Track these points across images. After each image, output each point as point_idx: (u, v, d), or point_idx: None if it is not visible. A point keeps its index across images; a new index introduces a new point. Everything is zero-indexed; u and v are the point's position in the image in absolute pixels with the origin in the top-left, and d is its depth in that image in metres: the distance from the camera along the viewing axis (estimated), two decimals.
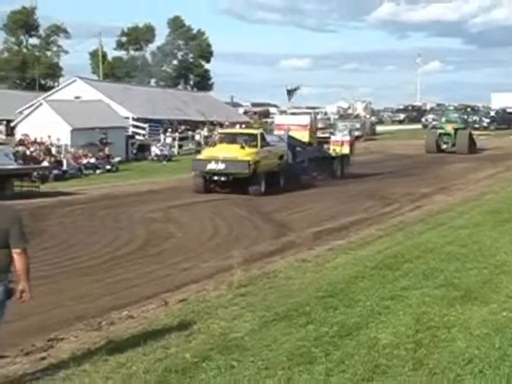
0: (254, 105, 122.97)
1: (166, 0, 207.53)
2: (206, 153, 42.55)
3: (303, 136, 48.35)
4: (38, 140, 55.37)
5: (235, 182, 39.30)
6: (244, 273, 18.68)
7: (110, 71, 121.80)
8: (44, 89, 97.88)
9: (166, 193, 41.29)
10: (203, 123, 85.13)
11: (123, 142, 66.26)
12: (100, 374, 10.55)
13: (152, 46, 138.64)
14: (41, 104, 65.25)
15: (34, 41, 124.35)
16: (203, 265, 21.50)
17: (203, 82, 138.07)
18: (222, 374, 10.00)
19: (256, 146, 40.87)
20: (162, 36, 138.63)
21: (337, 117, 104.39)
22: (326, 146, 51.26)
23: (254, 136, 42.70)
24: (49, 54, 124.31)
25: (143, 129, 75.12)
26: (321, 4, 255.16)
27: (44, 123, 59.16)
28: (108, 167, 56.63)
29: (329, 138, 54.11)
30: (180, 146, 75.78)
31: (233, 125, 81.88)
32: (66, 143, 56.98)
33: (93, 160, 54.20)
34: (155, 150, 67.68)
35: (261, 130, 47.38)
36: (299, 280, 17.30)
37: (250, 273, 18.97)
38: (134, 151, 67.72)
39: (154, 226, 29.47)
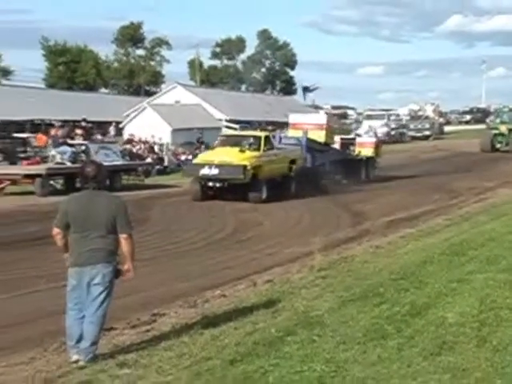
0: (334, 107, 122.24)
1: (255, 14, 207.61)
2: (202, 156, 36.48)
3: (319, 136, 41.00)
4: (143, 139, 55.79)
5: (233, 188, 33.17)
6: (324, 257, 18.62)
7: (206, 78, 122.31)
8: (148, 94, 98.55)
9: None
10: (288, 124, 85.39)
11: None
12: (196, 345, 10.59)
13: (243, 56, 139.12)
14: (145, 108, 65.97)
15: (140, 52, 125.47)
16: (287, 250, 21.49)
17: (288, 88, 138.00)
18: (304, 347, 9.95)
19: (259, 150, 34.45)
20: (251, 47, 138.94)
21: (408, 118, 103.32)
22: (351, 148, 45.50)
23: (258, 139, 35.71)
24: (153, 63, 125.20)
25: (235, 129, 75.40)
26: (395, 17, 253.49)
27: (148, 124, 59.74)
28: None
29: (354, 139, 48.45)
30: None
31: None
32: (167, 142, 57.32)
33: (190, 157, 54.22)
34: None
35: (266, 133, 40.30)
36: (373, 264, 17.19)
37: (329, 257, 18.92)
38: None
39: (244, 215, 29.52)
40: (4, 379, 10.22)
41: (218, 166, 32.41)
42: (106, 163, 29.02)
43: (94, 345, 10.48)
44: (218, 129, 68.71)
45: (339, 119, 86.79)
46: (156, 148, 54.98)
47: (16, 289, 16.77)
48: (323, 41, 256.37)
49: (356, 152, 44.64)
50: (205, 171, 32.55)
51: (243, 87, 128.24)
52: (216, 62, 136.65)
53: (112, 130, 65.94)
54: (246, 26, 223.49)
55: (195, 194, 33.54)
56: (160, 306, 14.27)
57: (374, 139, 47.52)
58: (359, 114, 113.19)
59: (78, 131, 46.05)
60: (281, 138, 40.77)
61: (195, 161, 36.12)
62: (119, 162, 39.73)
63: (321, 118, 44.12)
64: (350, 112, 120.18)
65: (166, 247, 22.05)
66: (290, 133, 42.42)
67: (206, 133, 61.90)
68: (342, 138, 46.46)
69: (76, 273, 10.46)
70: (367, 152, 44.71)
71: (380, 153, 47.03)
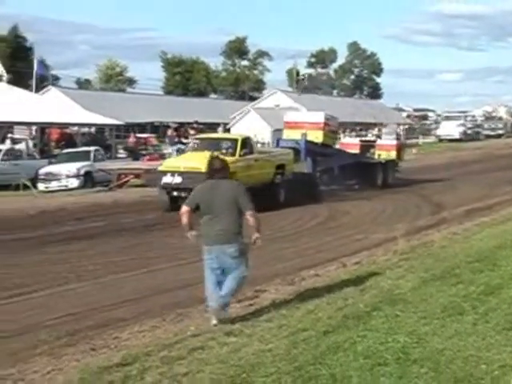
0: (415, 110, 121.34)
1: (346, 28, 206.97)
2: (167, 162, 30.14)
3: (317, 136, 33.39)
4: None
5: None
6: (406, 242, 18.48)
7: (302, 85, 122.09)
8: (251, 99, 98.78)
9: None
10: (374, 124, 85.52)
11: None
12: (294, 318, 10.60)
13: (335, 65, 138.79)
14: (249, 111, 66.88)
15: (244, 63, 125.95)
16: (373, 236, 21.38)
17: (374, 93, 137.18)
18: (389, 321, 9.88)
19: (234, 154, 27.39)
20: (342, 57, 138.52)
21: (483, 119, 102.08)
22: (371, 151, 38.35)
23: (233, 142, 28.62)
24: (255, 72, 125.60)
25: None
26: (472, 29, 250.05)
27: (251, 125, 60.18)
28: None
29: (374, 141, 40.95)
30: None
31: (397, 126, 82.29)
32: (268, 141, 57.57)
33: None
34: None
35: (244, 135, 31.50)
36: (451, 248, 16.97)
37: (411, 242, 18.75)
38: None
39: (334, 205, 29.45)
40: (130, 344, 10.45)
41: (181, 173, 26.12)
42: None
43: (226, 306, 11.12)
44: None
45: (420, 120, 77.19)
46: (259, 146, 55.28)
47: (138, 268, 17.12)
48: (406, 51, 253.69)
49: (376, 155, 37.80)
50: (167, 179, 26.36)
51: (334, 92, 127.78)
52: (311, 71, 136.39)
53: (220, 130, 66.50)
54: (338, 38, 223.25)
55: (164, 204, 27.05)
56: (262, 284, 14.27)
57: (395, 141, 39.76)
58: (438, 115, 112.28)
59: (191, 131, 46.65)
60: (278, 141, 34.55)
61: (159, 167, 28.67)
62: None
63: (318, 116, 35.51)
64: (429, 114, 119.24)
65: (265, 233, 22.10)
66: (286, 133, 34.78)
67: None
68: (361, 141, 40.40)
69: (208, 250, 11.03)
70: (388, 155, 37.61)
71: (402, 156, 40.00)
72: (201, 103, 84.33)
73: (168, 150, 37.77)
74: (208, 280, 11.17)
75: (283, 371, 7.84)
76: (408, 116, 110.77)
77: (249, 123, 64.06)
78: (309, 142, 32.75)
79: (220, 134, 36.21)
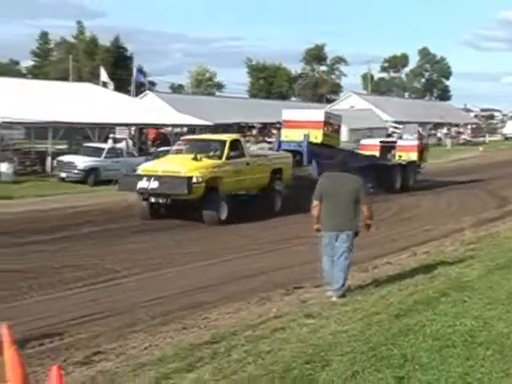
0: (482, 110, 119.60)
1: (417, 34, 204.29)
2: (145, 166, 24.72)
3: (316, 136, 28.91)
4: None
5: (185, 205, 22.38)
6: (473, 233, 18.28)
7: (376, 88, 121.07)
8: (329, 101, 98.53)
9: None
10: (442, 124, 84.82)
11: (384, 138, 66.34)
12: (368, 303, 10.54)
13: (406, 69, 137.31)
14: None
15: (323, 68, 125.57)
16: (441, 227, 21.20)
17: (444, 95, 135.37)
18: (457, 306, 9.73)
19: (220, 158, 23.14)
20: (413, 61, 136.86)
21: None
22: (392, 152, 34.12)
23: (221, 144, 23.88)
24: (333, 77, 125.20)
25: (398, 128, 75.34)
26: None
27: None
28: None
29: (395, 142, 35.36)
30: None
31: (464, 126, 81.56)
32: (345, 140, 57.42)
33: None
34: None
35: (234, 137, 25.90)
36: None
37: (477, 233, 18.54)
38: None
39: (403, 199, 29.21)
40: (217, 324, 10.55)
41: (157, 178, 21.79)
42: None
43: (343, 286, 11.54)
44: (385, 129, 68.72)
45: (486, 120, 71.49)
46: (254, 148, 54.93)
47: (213, 258, 17.24)
48: (474, 55, 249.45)
49: (396, 156, 33.69)
50: (142, 184, 21.83)
51: (406, 95, 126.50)
52: (384, 75, 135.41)
53: None
54: (409, 44, 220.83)
55: (142, 211, 22.93)
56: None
57: (416, 142, 34.45)
58: (504, 115, 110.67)
59: (274, 131, 46.75)
60: (280, 143, 29.75)
61: (139, 171, 24.03)
62: None
63: (318, 114, 30.69)
64: (496, 114, 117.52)
65: None
66: (284, 133, 30.21)
67: (375, 132, 61.74)
68: (381, 142, 35.34)
69: (327, 236, 11.53)
70: (409, 156, 33.45)
71: (425, 157, 35.57)
72: (282, 105, 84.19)
73: (251, 148, 37.20)
74: (325, 262, 11.70)
75: (358, 351, 7.80)
76: (475, 116, 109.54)
77: None
78: (313, 144, 28.59)
79: (207, 136, 29.84)
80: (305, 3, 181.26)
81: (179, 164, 22.55)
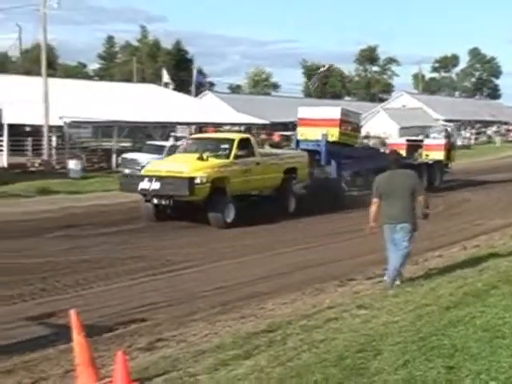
0: None
1: (467, 35, 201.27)
2: (150, 166, 22.41)
3: (332, 134, 26.51)
4: (376, 135, 55.63)
5: (190, 207, 20.51)
6: None
7: (427, 87, 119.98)
8: (381, 100, 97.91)
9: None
10: (492, 122, 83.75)
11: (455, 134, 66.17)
12: (418, 294, 10.46)
13: (457, 69, 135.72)
14: (379, 111, 66.65)
15: (375, 68, 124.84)
16: (491, 222, 20.93)
17: (493, 93, 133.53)
18: (506, 299, 9.58)
19: (228, 157, 21.37)
20: (463, 61, 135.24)
21: None
22: (418, 151, 31.94)
23: (229, 142, 22.04)
24: (385, 77, 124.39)
25: (448, 127, 74.91)
26: None
27: (381, 124, 59.93)
28: None
29: (422, 141, 33.13)
30: (476, 139, 75.93)
31: None
32: (395, 138, 57.10)
33: None
34: (458, 141, 68.33)
35: (243, 135, 25.45)
36: None
37: None
38: None
39: (452, 194, 28.91)
40: (273, 313, 10.57)
41: (160, 178, 19.98)
42: None
43: (397, 274, 11.80)
44: (435, 127, 68.45)
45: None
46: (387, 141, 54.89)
47: (267, 250, 17.24)
48: None
49: (423, 156, 31.53)
50: (144, 185, 20.10)
51: (456, 94, 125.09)
52: (435, 75, 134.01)
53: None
54: (459, 45, 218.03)
55: (147, 213, 21.15)
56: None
57: (443, 141, 32.30)
58: None
59: None
60: (298, 142, 27.54)
61: (143, 171, 22.25)
62: None
63: (334, 112, 27.90)
64: None
65: None
66: (300, 131, 28.08)
67: (425, 130, 61.54)
68: (407, 140, 33.00)
69: (388, 228, 11.74)
70: (436, 156, 31.23)
71: (453, 157, 33.21)
72: (336, 104, 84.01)
73: (391, 140, 36.46)
74: (390, 254, 11.86)
75: (409, 341, 7.74)
76: None
77: (378, 122, 64.00)
78: (332, 143, 26.32)
79: (216, 134, 27.20)
80: (358, 5, 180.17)
81: (183, 164, 20.74)
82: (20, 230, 19.73)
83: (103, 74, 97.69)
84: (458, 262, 13.73)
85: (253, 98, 75.33)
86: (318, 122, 26.68)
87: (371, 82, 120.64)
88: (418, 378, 6.49)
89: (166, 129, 46.59)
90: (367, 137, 54.83)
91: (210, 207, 20.02)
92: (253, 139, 23.44)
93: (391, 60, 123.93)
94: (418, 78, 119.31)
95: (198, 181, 19.70)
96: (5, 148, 38.81)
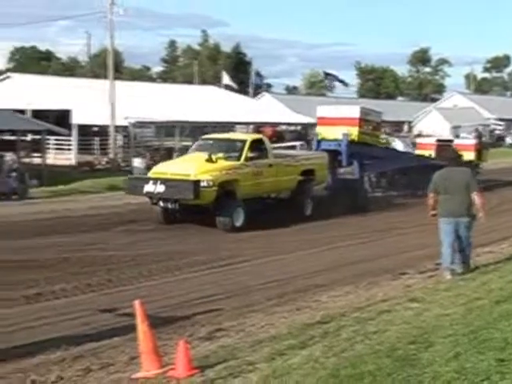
0: None
1: None
2: (157, 167, 20.61)
3: (351, 133, 24.09)
4: (428, 133, 55.03)
5: (198, 210, 19.05)
6: None
7: (478, 87, 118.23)
8: (433, 100, 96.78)
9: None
10: None
11: (487, 134, 64.84)
12: (469, 288, 10.35)
13: (508, 69, 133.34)
14: (431, 110, 66.24)
15: (427, 69, 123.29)
16: None
17: None
18: None
19: (239, 159, 19.79)
20: None
21: None
22: None
23: (240, 143, 20.51)
24: (437, 77, 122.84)
25: (500, 125, 73.62)
26: None
27: (433, 123, 59.42)
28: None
29: (452, 141, 31.32)
30: None
31: None
32: (449, 137, 56.49)
33: None
34: (509, 139, 66.79)
35: (256, 136, 23.30)
36: None
37: None
38: (494, 140, 66.36)
39: (505, 191, 28.47)
40: (327, 306, 10.55)
41: (164, 181, 18.53)
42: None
43: (465, 264, 12.22)
44: (487, 125, 67.72)
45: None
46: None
47: (318, 245, 17.22)
48: None
49: None
50: (149, 188, 18.69)
51: (508, 93, 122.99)
52: (486, 75, 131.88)
53: (405, 127, 65.96)
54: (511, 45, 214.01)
55: (157, 216, 19.75)
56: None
57: (473, 141, 30.51)
58: None
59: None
60: (319, 143, 24.85)
61: (149, 173, 20.55)
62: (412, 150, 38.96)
63: (353, 111, 25.61)
64: None
65: None
66: (318, 130, 25.68)
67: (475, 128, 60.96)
68: (437, 141, 30.67)
69: (444, 222, 12.01)
70: (466, 156, 27.35)
71: (484, 157, 30.83)
72: (389, 105, 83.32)
73: (420, 140, 35.75)
74: (444, 243, 12.05)
75: (460, 333, 7.64)
76: None
77: (430, 121, 63.50)
78: (354, 143, 24.07)
79: (227, 135, 24.94)
80: (410, 8, 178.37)
81: (190, 166, 19.21)
82: (89, 224, 20.00)
83: (166, 77, 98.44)
84: (509, 257, 13.52)
85: (309, 99, 75.04)
86: (337, 120, 24.52)
87: (423, 83, 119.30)
88: (468, 369, 6.38)
89: (224, 128, 46.75)
90: (419, 135, 54.31)
91: (217, 211, 18.58)
92: (266, 140, 21.81)
93: (443, 61, 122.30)
94: (469, 78, 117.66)
95: (204, 184, 18.23)
96: (74, 147, 39.49)
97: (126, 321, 9.53)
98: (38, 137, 35.12)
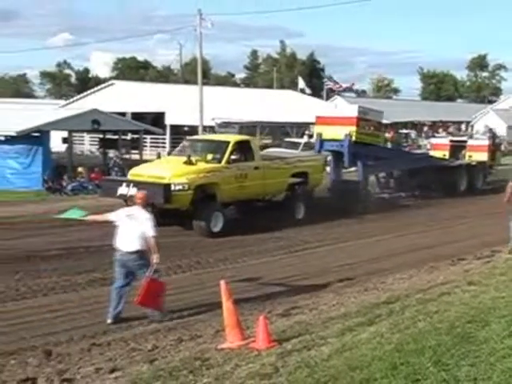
0: None
1: None
2: (136, 169, 17.72)
3: (349, 133, 20.86)
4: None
5: (176, 214, 16.35)
6: None
7: None
8: (490, 102, 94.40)
9: None
10: None
11: None
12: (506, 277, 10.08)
13: None
14: (488, 111, 64.75)
15: (485, 74, 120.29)
16: None
17: None
18: None
19: (220, 161, 17.00)
20: None
21: None
22: (462, 152, 26.40)
23: (223, 145, 17.54)
24: (494, 81, 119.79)
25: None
26: None
27: (490, 123, 58.04)
28: None
29: (465, 141, 27.36)
30: None
31: None
32: (502, 136, 55.03)
33: None
34: None
35: (240, 138, 19.47)
36: None
37: None
38: None
39: None
40: (392, 287, 10.48)
41: (136, 184, 15.80)
42: None
43: None
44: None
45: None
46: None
47: (386, 233, 17.05)
48: None
49: (466, 157, 26.10)
50: (122, 190, 16.11)
51: None
52: None
53: (463, 127, 64.80)
54: None
55: None
56: (498, 246, 13.73)
57: (486, 142, 26.91)
58: None
59: (441, 130, 45.81)
60: (322, 143, 21.69)
61: (128, 174, 17.86)
62: None
63: (351, 110, 22.55)
64: None
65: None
66: (316, 129, 22.82)
67: None
68: (451, 141, 27.60)
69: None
70: (479, 157, 25.81)
71: (497, 158, 27.62)
72: (449, 106, 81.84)
73: (424, 142, 34.75)
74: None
75: None
76: None
77: (487, 121, 62.17)
78: (358, 144, 21.14)
79: (210, 136, 22.31)
80: (471, 17, 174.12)
81: (167, 168, 16.80)
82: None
83: (248, 82, 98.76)
84: None
85: (376, 101, 74.00)
86: (335, 120, 21.79)
87: (481, 86, 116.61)
88: None
89: (300, 128, 46.60)
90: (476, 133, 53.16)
91: (194, 215, 16.08)
92: (254, 142, 18.83)
93: (500, 66, 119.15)
94: None
95: (178, 187, 15.82)
96: (167, 145, 40.14)
97: (213, 298, 9.64)
98: (136, 136, 35.89)
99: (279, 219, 17.24)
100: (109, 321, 9.39)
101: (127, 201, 15.80)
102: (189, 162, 16.53)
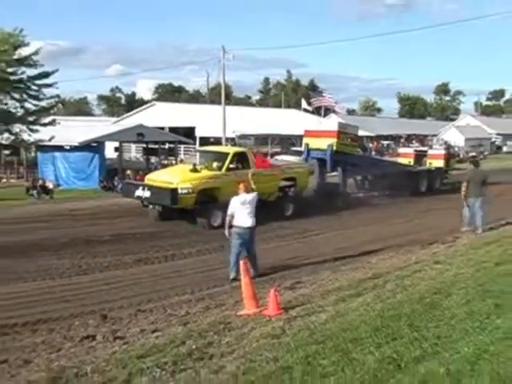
0: None
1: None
2: (151, 175, 17.93)
3: (332, 144, 20.88)
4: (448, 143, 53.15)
5: (185, 211, 16.14)
6: None
7: (484, 111, 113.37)
8: (451, 120, 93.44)
9: None
10: None
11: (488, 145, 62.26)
12: (478, 254, 10.02)
13: (503, 99, 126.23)
14: (450, 127, 64.58)
15: (447, 98, 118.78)
16: None
17: None
18: None
19: (220, 169, 16.74)
20: (508, 93, 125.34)
21: None
22: (424, 159, 26.06)
23: (223, 156, 17.30)
24: (454, 104, 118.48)
25: (498, 138, 70.28)
26: None
27: (451, 136, 57.82)
28: None
29: (426, 151, 27.80)
30: None
31: None
32: (462, 147, 54.36)
33: None
34: (505, 148, 65.28)
35: (239, 150, 19.16)
36: None
37: None
38: (495, 149, 63.70)
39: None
40: (377, 266, 10.37)
41: (149, 188, 16.20)
42: None
43: (483, 227, 13.55)
44: (489, 139, 65.33)
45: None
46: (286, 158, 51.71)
47: (377, 223, 16.94)
48: None
49: (427, 163, 25.89)
50: (139, 192, 16.33)
51: (503, 116, 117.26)
52: (489, 103, 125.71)
53: (434, 139, 64.37)
54: (507, 80, 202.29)
55: (152, 215, 16.89)
56: (458, 233, 13.53)
57: (443, 151, 27.31)
58: None
59: (414, 141, 45.22)
60: (309, 152, 21.77)
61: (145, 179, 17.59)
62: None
63: (332, 125, 24.14)
64: None
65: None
66: (305, 141, 22.79)
67: (483, 141, 58.92)
68: (415, 151, 27.71)
69: (472, 200, 13.60)
70: (437, 164, 25.73)
71: (451, 165, 27.11)
72: (420, 123, 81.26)
73: (401, 150, 34.04)
74: (465, 213, 13.76)
75: (470, 287, 7.48)
76: None
77: (450, 135, 61.68)
78: (338, 153, 20.92)
79: (215, 147, 21.64)
80: (438, 52, 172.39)
81: (175, 175, 16.67)
82: None
83: (261, 103, 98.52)
84: (506, 234, 12.96)
85: (364, 118, 73.91)
86: (320, 133, 21.91)
87: (445, 108, 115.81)
88: (475, 311, 6.36)
89: (297, 141, 46.68)
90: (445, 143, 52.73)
91: (197, 213, 15.92)
92: (249, 153, 18.26)
93: (459, 92, 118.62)
94: (477, 104, 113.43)
95: (184, 191, 15.70)
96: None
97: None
98: (172, 145, 36.06)
99: (271, 215, 16.42)
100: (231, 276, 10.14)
101: (143, 201, 16.60)
102: (194, 170, 16.39)
